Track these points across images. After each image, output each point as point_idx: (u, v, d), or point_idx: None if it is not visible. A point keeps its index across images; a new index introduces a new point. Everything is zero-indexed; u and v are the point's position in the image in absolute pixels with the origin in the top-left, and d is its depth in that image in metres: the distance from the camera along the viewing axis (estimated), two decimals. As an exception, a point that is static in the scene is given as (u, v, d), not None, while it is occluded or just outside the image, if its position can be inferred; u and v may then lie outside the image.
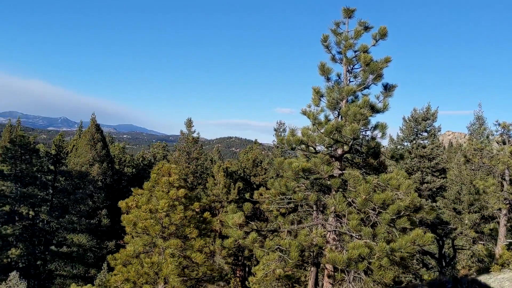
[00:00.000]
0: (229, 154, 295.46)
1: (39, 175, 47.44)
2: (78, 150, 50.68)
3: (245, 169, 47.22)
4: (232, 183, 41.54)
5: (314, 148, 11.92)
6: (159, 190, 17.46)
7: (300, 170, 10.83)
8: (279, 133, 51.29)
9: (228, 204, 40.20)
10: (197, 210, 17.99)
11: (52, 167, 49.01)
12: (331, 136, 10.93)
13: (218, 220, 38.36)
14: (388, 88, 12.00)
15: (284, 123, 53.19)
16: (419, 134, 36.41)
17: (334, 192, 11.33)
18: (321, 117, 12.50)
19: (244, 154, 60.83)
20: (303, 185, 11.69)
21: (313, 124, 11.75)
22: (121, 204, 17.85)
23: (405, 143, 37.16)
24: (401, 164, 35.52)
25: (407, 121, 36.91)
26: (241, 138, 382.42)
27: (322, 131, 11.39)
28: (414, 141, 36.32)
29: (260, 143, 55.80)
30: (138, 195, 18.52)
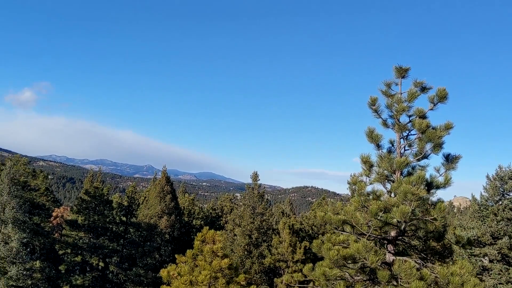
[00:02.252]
0: (305, 204, 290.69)
1: (110, 226, 48.46)
2: (149, 201, 51.42)
3: (313, 226, 44.98)
4: (298, 242, 39.48)
5: (360, 230, 10.15)
6: (201, 260, 16.27)
7: (341, 257, 9.13)
8: (352, 187, 48.78)
9: (294, 264, 38.13)
10: (242, 283, 16.47)
11: (124, 218, 49.99)
12: (378, 218, 9.16)
13: (283, 282, 36.30)
14: (450, 160, 10.10)
15: (359, 176, 50.63)
16: (506, 194, 32.53)
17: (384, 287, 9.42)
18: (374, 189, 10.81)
19: (316, 207, 58.41)
20: (347, 274, 9.90)
21: (359, 201, 10.04)
22: (163, 273, 16.83)
23: (490, 204, 33.34)
24: (485, 228, 31.77)
25: (492, 179, 33.21)
26: (317, 188, 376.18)
27: (368, 210, 9.65)
28: (500, 202, 32.45)
29: (337, 193, 53.37)
30: (182, 262, 17.42)
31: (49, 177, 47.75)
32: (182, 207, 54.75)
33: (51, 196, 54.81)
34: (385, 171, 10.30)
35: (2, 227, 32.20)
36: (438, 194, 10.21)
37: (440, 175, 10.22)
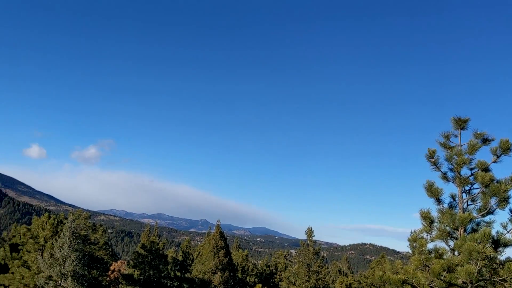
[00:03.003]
0: (363, 263, 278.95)
1: (165, 282, 48.54)
2: (203, 256, 51.29)
3: (372, 286, 42.88)
4: (356, 302, 37.69)
5: (422, 290, 9.49)
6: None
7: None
8: (413, 244, 46.52)
9: (352, 326, 36.22)
10: None
11: (178, 274, 50.00)
12: (441, 278, 8.55)
13: None
14: (518, 215, 9.39)
15: (419, 233, 48.39)
16: None
17: None
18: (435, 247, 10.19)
19: (375, 266, 55.88)
20: None
21: (419, 260, 9.46)
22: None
23: None
24: None
25: None
26: (376, 245, 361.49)
27: (430, 269, 9.06)
28: None
29: (397, 251, 50.96)
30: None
31: (109, 231, 49.10)
32: (236, 263, 54.10)
33: (110, 250, 56.02)
34: (447, 227, 9.72)
35: (62, 280, 33.00)
36: (507, 253, 9.46)
37: (508, 232, 9.50)
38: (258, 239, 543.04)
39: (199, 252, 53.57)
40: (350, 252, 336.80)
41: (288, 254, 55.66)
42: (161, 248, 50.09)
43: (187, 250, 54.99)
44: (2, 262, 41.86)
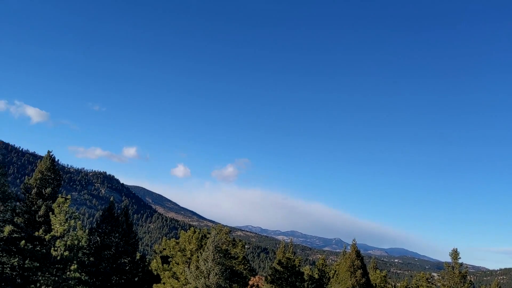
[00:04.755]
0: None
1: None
2: (339, 276, 50.60)
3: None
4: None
5: None
6: None
7: None
8: None
9: None
10: None
11: (314, 291, 49.99)
12: None
13: None
14: None
15: None
16: None
17: None
18: None
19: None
20: None
21: None
22: None
23: None
24: None
25: None
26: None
27: None
28: None
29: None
30: None
31: (246, 246, 51.13)
32: (374, 284, 52.35)
33: (248, 265, 58.21)
34: None
35: (207, 291, 35.16)
36: None
37: None
38: (396, 260, 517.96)
39: (335, 271, 52.98)
40: (502, 278, 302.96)
41: (430, 277, 52.19)
42: (297, 265, 50.69)
43: (323, 269, 54.85)
44: (155, 273, 46.08)
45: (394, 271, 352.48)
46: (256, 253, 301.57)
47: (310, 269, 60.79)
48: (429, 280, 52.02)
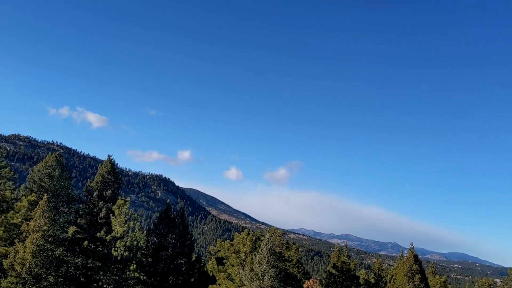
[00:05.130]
0: None
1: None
2: (396, 281, 49.22)
3: None
4: None
5: None
6: None
7: None
8: None
9: None
10: None
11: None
12: None
13: None
14: None
15: None
16: None
17: None
18: None
19: None
20: None
21: None
22: None
23: None
24: None
25: None
26: None
27: None
28: None
29: None
30: None
31: (299, 249, 50.85)
32: (433, 290, 50.48)
33: (302, 268, 57.83)
34: None
35: (262, 293, 35.25)
36: None
37: None
38: (455, 265, 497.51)
39: (392, 276, 51.57)
40: None
41: (493, 283, 49.61)
42: (352, 269, 49.84)
43: (379, 273, 53.58)
44: (211, 274, 46.77)
45: (454, 276, 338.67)
46: (310, 256, 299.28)
47: (366, 273, 59.49)
48: (492, 287, 49.55)
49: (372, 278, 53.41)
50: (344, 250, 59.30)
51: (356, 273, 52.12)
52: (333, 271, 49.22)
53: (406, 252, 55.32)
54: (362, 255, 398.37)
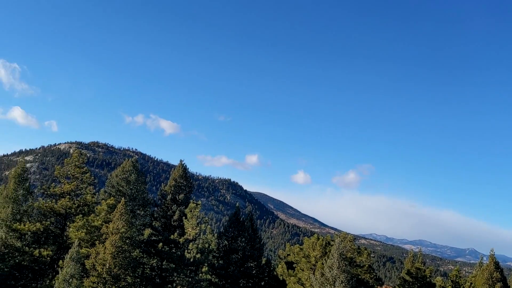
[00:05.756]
0: None
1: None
2: (476, 289, 46.65)
3: None
4: None
5: None
6: None
7: None
8: None
9: None
10: None
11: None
12: None
13: None
14: None
15: None
16: None
17: None
18: None
19: None
20: None
21: None
22: None
23: None
24: None
25: None
26: None
27: None
28: None
29: None
30: None
31: (371, 255, 49.55)
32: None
33: (374, 274, 56.34)
34: None
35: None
36: None
37: None
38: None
39: (471, 283, 48.91)
40: None
41: None
42: (427, 276, 47.89)
43: (457, 280, 51.04)
44: (281, 278, 46.84)
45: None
46: (382, 262, 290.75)
47: (443, 280, 56.86)
48: None
49: (449, 285, 50.96)
50: (418, 256, 57.05)
51: (432, 280, 49.97)
52: (407, 277, 47.55)
53: (486, 259, 52.36)
54: (438, 262, 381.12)
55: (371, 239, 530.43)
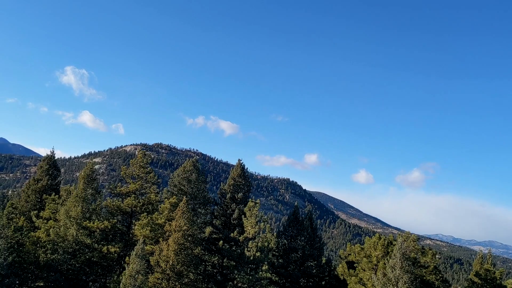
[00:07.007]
0: None
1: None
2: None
3: None
4: None
5: None
6: None
7: None
8: None
9: None
10: None
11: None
12: None
13: None
14: None
15: None
16: None
17: None
18: None
19: None
20: None
21: None
22: None
23: None
24: None
25: None
26: None
27: None
28: None
29: None
30: None
31: (437, 256, 47.70)
32: None
33: (440, 275, 54.22)
34: None
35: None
36: None
37: None
38: None
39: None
40: None
41: None
42: (498, 278, 45.43)
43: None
44: (342, 278, 46.21)
45: None
46: (449, 264, 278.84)
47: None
48: None
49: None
50: (488, 257, 54.27)
51: (503, 283, 47.34)
52: (476, 279, 45.37)
53: None
54: (510, 264, 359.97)
55: (437, 240, 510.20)
